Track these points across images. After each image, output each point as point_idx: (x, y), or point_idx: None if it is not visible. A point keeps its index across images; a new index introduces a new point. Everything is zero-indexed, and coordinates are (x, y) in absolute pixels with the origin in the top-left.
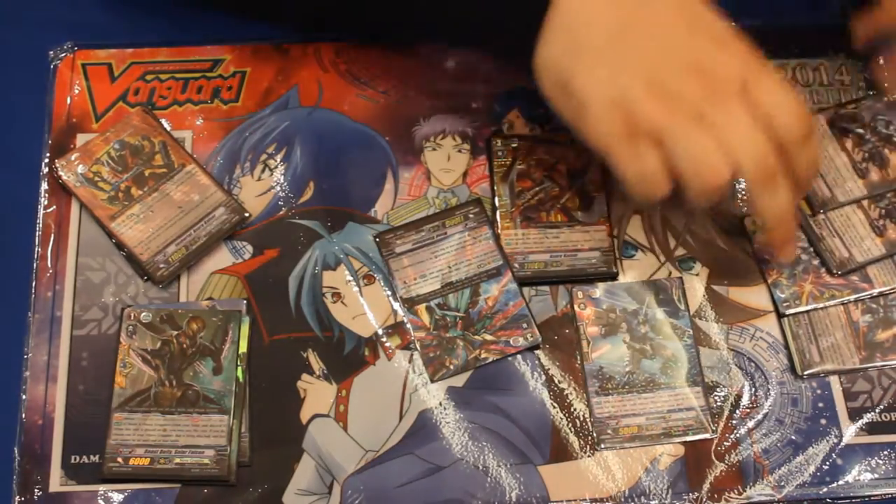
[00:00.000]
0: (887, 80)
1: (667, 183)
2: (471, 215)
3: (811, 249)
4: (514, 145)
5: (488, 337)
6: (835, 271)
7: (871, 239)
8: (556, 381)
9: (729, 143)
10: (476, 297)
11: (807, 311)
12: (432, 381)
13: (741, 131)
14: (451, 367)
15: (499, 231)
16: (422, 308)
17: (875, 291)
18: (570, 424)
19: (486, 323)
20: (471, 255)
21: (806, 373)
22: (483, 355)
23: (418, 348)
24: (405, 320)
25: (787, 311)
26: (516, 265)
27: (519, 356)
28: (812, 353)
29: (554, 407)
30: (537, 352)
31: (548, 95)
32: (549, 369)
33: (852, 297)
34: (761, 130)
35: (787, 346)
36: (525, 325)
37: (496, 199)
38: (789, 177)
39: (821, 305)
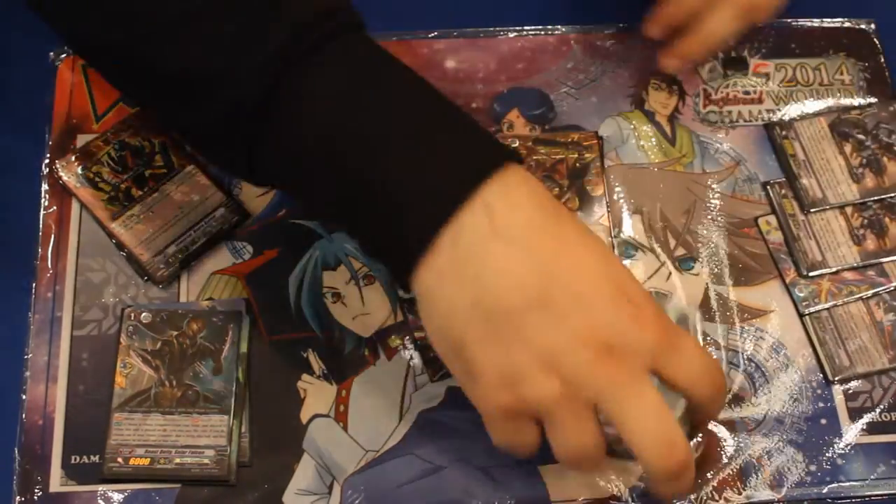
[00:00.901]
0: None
1: (535, 450)
2: None
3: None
4: (514, 145)
5: None
6: (804, 272)
7: (847, 247)
8: None
9: (634, 433)
10: None
11: (827, 309)
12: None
13: (647, 420)
14: None
15: None
16: None
17: (893, 285)
18: None
19: None
20: None
21: (837, 378)
22: None
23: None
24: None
25: (807, 311)
26: None
27: None
28: (841, 357)
29: None
30: None
31: (431, 339)
32: None
33: (870, 293)
34: (670, 419)
35: (814, 350)
36: None
37: None
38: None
39: (840, 302)
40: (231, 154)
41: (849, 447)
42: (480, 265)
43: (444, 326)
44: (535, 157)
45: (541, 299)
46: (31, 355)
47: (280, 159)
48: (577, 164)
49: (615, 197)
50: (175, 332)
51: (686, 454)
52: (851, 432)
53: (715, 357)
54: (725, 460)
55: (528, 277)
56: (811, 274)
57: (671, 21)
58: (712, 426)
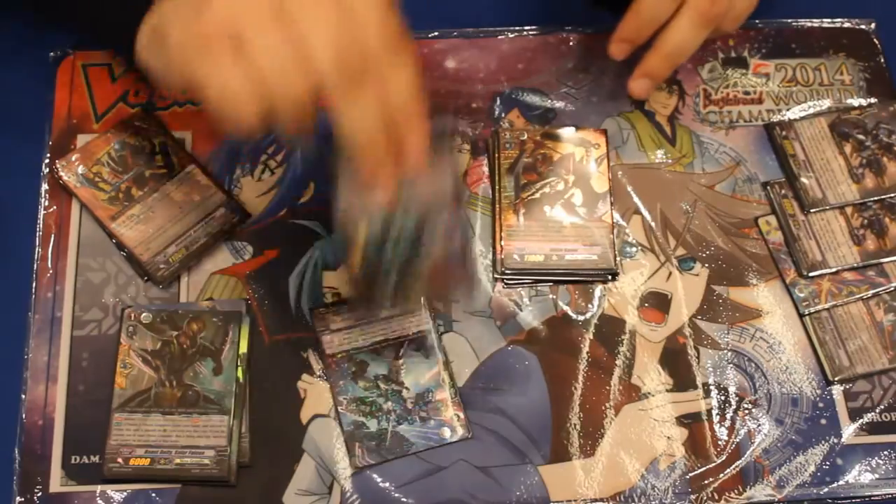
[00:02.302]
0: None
1: (253, 104)
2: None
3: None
4: (522, 138)
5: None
6: (804, 272)
7: (847, 247)
8: (557, 381)
9: (309, 39)
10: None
11: (827, 309)
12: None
13: (321, 28)
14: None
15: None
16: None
17: (893, 286)
18: (570, 424)
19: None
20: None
21: (837, 378)
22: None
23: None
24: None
25: (807, 311)
26: (515, 257)
27: (518, 356)
28: (841, 357)
29: (554, 407)
30: (537, 352)
31: (145, 60)
32: (549, 369)
33: (870, 293)
34: (346, 31)
35: (814, 350)
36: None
37: (498, 191)
38: (377, 93)
39: (840, 303)
40: None
41: (849, 447)
42: None
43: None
44: (541, 152)
45: None
46: (30, 355)
47: None
48: (584, 161)
49: (615, 197)
50: (175, 333)
51: (360, 71)
52: (851, 432)
53: (719, 350)
54: (726, 461)
55: None
56: (811, 274)
57: (633, 37)
58: (716, 424)
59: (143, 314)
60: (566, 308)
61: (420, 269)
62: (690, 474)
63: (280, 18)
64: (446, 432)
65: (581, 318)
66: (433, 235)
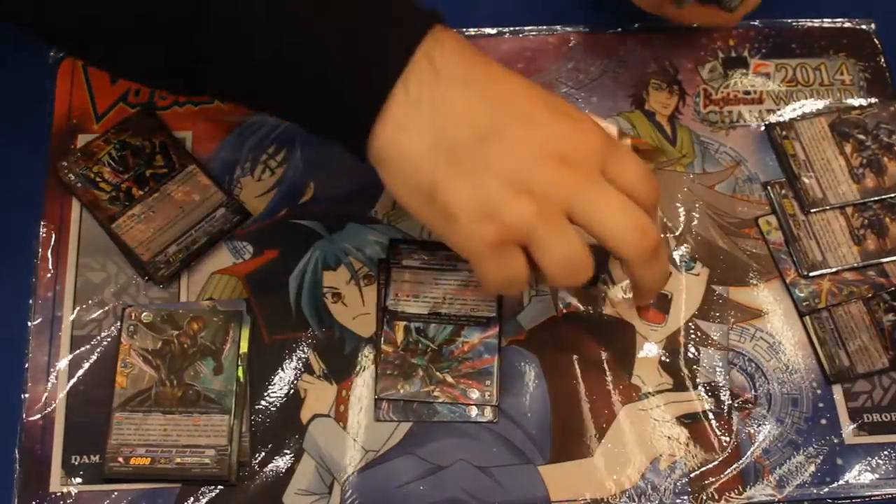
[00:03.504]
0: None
1: (528, 281)
2: None
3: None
4: None
5: (449, 378)
6: (804, 272)
7: (848, 247)
8: (557, 381)
9: (606, 227)
10: (456, 336)
11: (827, 309)
12: (377, 396)
13: (615, 212)
14: (402, 391)
15: None
16: (400, 325)
17: (893, 286)
18: (570, 424)
19: (452, 365)
20: (470, 296)
21: (837, 378)
22: (436, 393)
23: (380, 360)
24: (384, 329)
25: (808, 311)
26: None
27: (518, 356)
28: (841, 357)
29: (554, 407)
30: (537, 352)
31: (402, 199)
32: (549, 369)
33: (871, 293)
34: (635, 206)
35: (814, 350)
36: (488, 383)
37: None
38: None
39: (840, 303)
40: (175, 76)
41: (849, 447)
42: (431, 108)
43: (410, 178)
44: None
45: (493, 126)
46: (31, 355)
47: (221, 66)
48: None
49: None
50: (176, 332)
51: (657, 235)
52: (851, 432)
53: (719, 350)
54: (726, 461)
55: (476, 107)
56: (811, 274)
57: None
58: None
59: (144, 314)
60: (566, 308)
61: None
62: (690, 474)
63: (570, 220)
64: (473, 411)
65: (581, 318)
66: None
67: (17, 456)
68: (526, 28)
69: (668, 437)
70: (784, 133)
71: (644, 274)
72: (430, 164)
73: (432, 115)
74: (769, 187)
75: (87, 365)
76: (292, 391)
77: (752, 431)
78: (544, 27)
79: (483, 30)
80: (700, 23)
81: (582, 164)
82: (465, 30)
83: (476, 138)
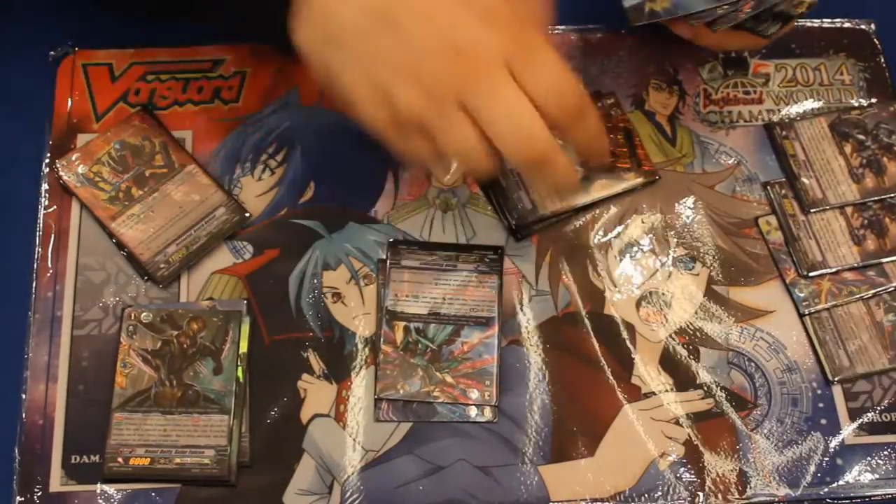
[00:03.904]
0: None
1: (436, 160)
2: (486, 260)
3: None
4: None
5: (449, 379)
6: (804, 272)
7: (847, 247)
8: (556, 381)
9: (491, 128)
10: (455, 337)
11: (827, 309)
12: (377, 396)
13: (501, 114)
14: (401, 391)
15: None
16: (400, 325)
17: (893, 286)
18: (571, 424)
19: (452, 365)
20: (469, 296)
21: (837, 378)
22: (436, 393)
23: (379, 360)
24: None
25: (807, 311)
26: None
27: (518, 356)
28: (841, 357)
29: (554, 407)
30: (537, 352)
31: (316, 80)
32: (549, 369)
33: (871, 293)
34: (525, 110)
35: (814, 350)
36: (488, 383)
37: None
38: (566, 151)
39: (840, 303)
40: None
41: (849, 447)
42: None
43: (316, 66)
44: None
45: (384, 18)
46: (31, 355)
47: None
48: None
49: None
50: (175, 332)
51: (546, 144)
52: (851, 432)
53: (719, 350)
54: (726, 461)
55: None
56: (811, 274)
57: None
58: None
59: (144, 314)
60: (566, 308)
61: None
62: (690, 474)
63: (462, 110)
64: (473, 411)
65: (581, 318)
66: None
67: (17, 456)
68: None
69: (668, 437)
70: (784, 133)
71: (534, 177)
72: (325, 55)
73: (324, 8)
74: (769, 187)
75: (86, 365)
76: (292, 391)
77: (752, 431)
78: None
79: None
80: (734, 48)
81: (477, 58)
82: None
83: (367, 30)
